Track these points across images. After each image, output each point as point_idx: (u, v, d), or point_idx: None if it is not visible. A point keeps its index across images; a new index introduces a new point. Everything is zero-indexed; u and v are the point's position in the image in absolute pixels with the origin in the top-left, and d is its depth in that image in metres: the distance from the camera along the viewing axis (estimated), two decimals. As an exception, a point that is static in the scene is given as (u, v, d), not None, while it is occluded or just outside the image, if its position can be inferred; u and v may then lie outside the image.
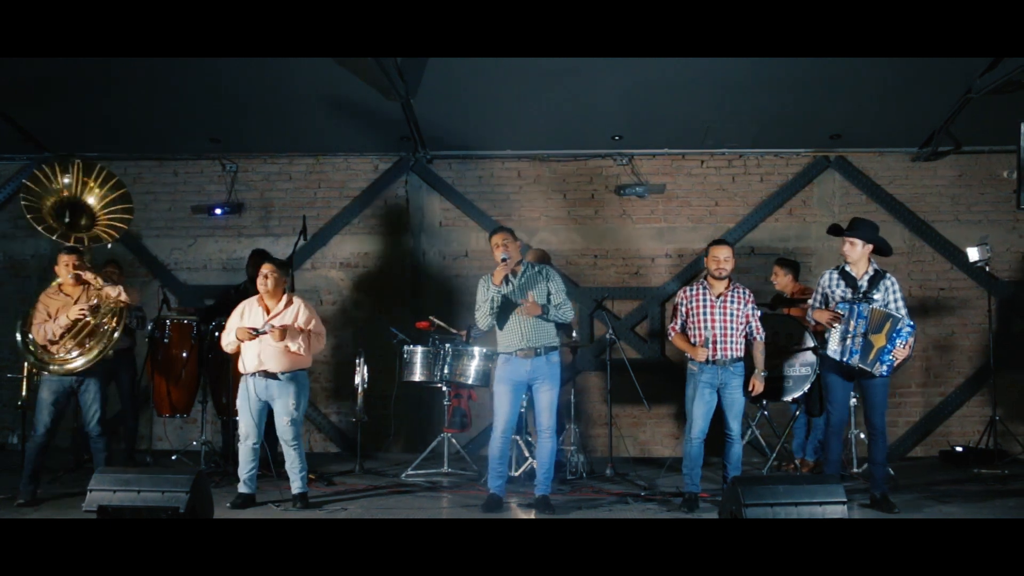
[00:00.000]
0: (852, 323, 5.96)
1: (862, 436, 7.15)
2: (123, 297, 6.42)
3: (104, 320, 6.40)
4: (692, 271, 8.81)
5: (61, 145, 8.74)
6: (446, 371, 7.26)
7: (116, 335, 6.42)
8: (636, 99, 7.95)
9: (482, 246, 8.95)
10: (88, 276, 6.38)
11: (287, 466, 6.23)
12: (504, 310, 6.02)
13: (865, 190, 8.86)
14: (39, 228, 6.65)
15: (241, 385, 6.20)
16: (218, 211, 9.10)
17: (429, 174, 9.13)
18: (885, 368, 5.91)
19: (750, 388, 6.23)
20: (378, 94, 7.57)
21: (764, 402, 7.30)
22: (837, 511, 4.40)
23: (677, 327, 6.29)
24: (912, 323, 5.96)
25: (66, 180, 6.80)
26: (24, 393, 7.16)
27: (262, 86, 7.73)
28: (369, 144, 9.01)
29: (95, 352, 6.30)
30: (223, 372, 7.11)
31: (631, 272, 9.03)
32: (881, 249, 6.29)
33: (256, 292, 6.30)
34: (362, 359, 7.64)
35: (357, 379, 7.61)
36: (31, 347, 6.32)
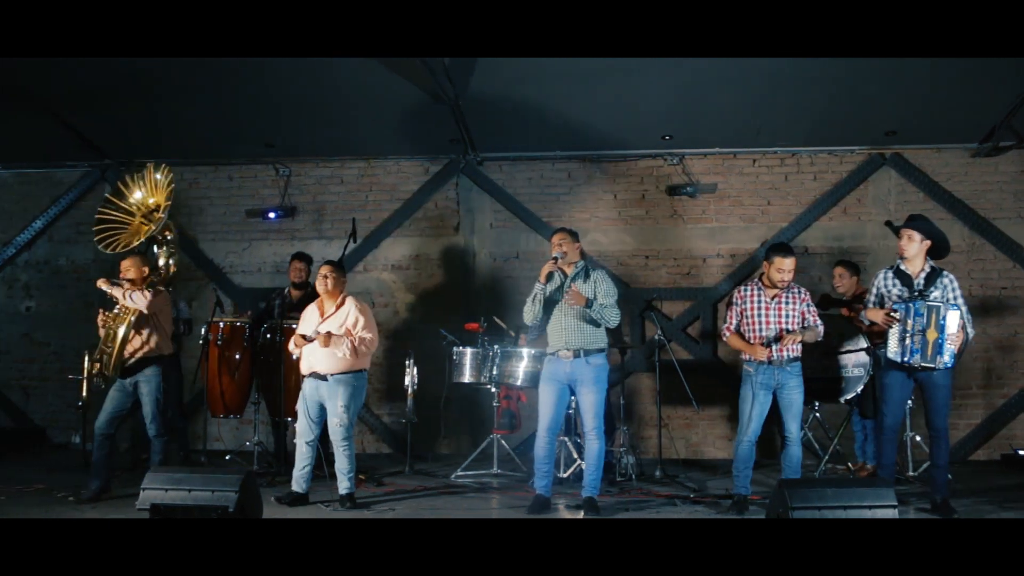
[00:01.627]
0: (910, 322, 5.79)
1: (918, 439, 7.00)
2: (128, 303, 6.43)
3: (118, 326, 6.49)
4: (745, 271, 8.69)
5: (120, 152, 8.96)
6: (495, 372, 7.28)
7: (119, 339, 6.43)
8: (686, 98, 7.88)
9: (532, 247, 8.96)
10: (99, 282, 6.56)
11: (336, 467, 6.29)
12: (549, 307, 6.04)
13: (922, 187, 8.66)
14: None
15: (303, 385, 6.32)
16: (272, 215, 9.26)
17: (479, 176, 9.16)
18: (948, 359, 5.74)
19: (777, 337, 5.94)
20: (428, 97, 7.64)
21: (816, 404, 7.19)
22: (887, 515, 4.30)
23: (732, 327, 6.17)
24: (956, 305, 5.80)
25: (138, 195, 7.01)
26: (84, 394, 7.37)
27: (314, 91, 7.82)
28: (420, 147, 9.06)
29: (112, 357, 6.45)
30: (275, 374, 7.20)
31: (683, 273, 8.95)
32: (939, 247, 6.10)
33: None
34: (411, 360, 7.68)
35: (407, 380, 7.66)
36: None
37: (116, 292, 6.46)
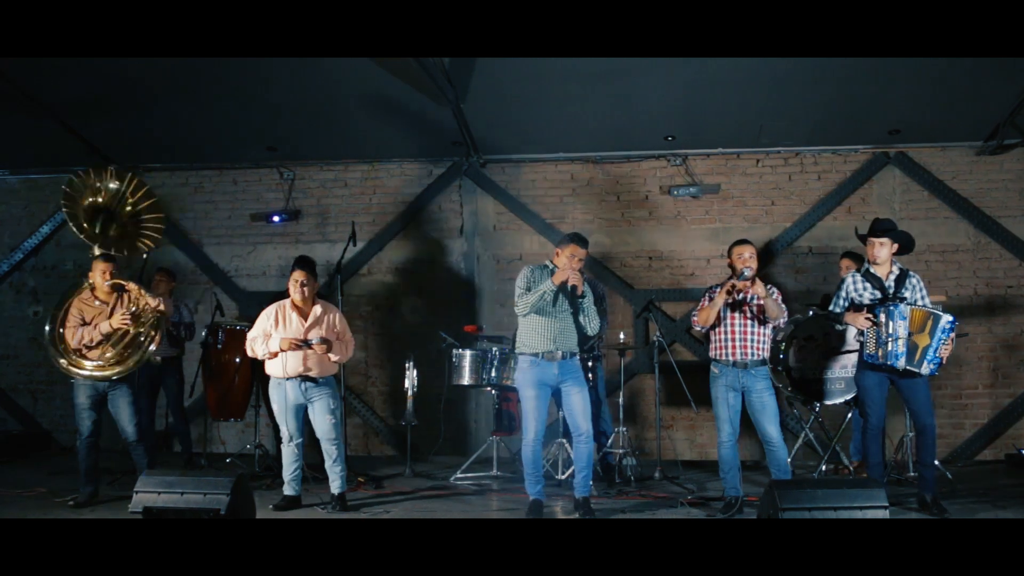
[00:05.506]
0: (892, 325, 5.79)
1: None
2: (161, 307, 6.52)
3: (142, 330, 6.50)
4: (749, 271, 8.65)
5: (125, 156, 8.99)
6: (493, 374, 7.27)
7: (153, 346, 6.52)
8: (688, 99, 7.86)
9: (535, 249, 8.95)
10: (131, 285, 6.50)
11: (328, 465, 6.28)
12: (543, 308, 5.94)
13: (927, 186, 8.60)
14: (80, 236, 6.92)
15: (275, 389, 6.25)
16: (276, 218, 9.30)
17: (482, 178, 9.17)
18: (933, 367, 5.75)
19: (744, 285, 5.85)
20: (430, 100, 7.65)
21: (817, 405, 7.16)
22: (878, 516, 4.27)
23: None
24: (953, 317, 5.78)
25: (112, 186, 6.99)
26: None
27: (316, 95, 7.87)
28: (423, 150, 9.07)
29: (132, 361, 6.42)
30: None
31: (686, 273, 8.92)
32: (905, 248, 6.16)
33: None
34: (411, 363, 7.69)
35: (407, 383, 7.67)
36: (60, 349, 6.44)
37: (149, 299, 6.48)
